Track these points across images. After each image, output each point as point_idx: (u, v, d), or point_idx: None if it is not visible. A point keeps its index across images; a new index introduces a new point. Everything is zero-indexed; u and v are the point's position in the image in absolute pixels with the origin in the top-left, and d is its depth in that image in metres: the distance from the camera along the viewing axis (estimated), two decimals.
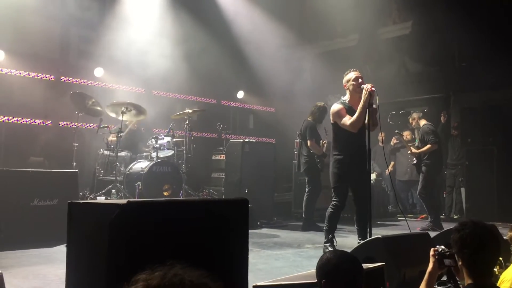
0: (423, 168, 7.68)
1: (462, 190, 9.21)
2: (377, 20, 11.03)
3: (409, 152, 7.97)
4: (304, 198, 7.59)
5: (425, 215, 8.38)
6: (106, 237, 2.02)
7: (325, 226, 5.41)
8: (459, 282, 2.56)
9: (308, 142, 7.48)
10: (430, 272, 2.49)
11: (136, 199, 5.86)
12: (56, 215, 5.19)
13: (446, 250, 2.43)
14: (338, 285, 2.15)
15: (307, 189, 7.59)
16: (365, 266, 3.11)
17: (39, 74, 8.62)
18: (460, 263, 2.27)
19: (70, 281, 2.24)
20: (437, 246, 2.48)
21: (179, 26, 9.56)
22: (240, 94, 11.37)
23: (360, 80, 5.18)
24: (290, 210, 8.83)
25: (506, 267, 3.27)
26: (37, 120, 8.49)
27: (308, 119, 7.68)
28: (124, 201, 2.07)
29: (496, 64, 9.20)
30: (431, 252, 2.49)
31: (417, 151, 7.74)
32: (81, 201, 2.36)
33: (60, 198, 5.49)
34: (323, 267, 2.21)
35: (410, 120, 8.18)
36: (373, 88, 4.93)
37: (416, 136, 8.48)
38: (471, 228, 2.25)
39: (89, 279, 2.16)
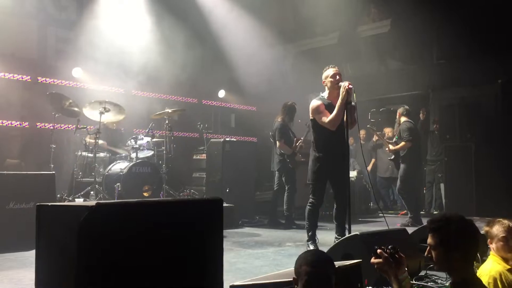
0: (402, 165, 7.76)
1: (442, 185, 9.32)
2: (356, 19, 11.09)
3: (386, 149, 8.05)
4: (285, 196, 7.64)
5: (405, 211, 8.46)
6: (75, 240, 1.98)
7: (305, 224, 5.41)
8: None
9: (277, 143, 7.52)
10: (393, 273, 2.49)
11: (108, 201, 5.77)
12: (32, 218, 5.05)
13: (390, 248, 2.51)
14: (310, 284, 2.17)
15: (286, 188, 7.62)
16: (342, 263, 3.12)
17: (15, 75, 8.47)
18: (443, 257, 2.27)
19: (40, 287, 2.19)
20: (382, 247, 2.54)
21: (159, 25, 9.48)
22: (221, 93, 11.33)
23: (338, 76, 5.18)
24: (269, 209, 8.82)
25: (483, 261, 3.30)
26: (13, 121, 8.33)
27: (278, 119, 7.70)
28: (93, 203, 2.03)
29: (474, 61, 9.33)
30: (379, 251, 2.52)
31: (393, 148, 7.82)
32: (50, 204, 2.30)
33: (37, 201, 5.32)
34: (296, 267, 2.25)
35: (400, 110, 8.19)
36: (350, 86, 4.94)
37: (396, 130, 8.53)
38: (456, 223, 2.26)
39: (59, 284, 2.11)
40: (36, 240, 2.21)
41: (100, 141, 7.30)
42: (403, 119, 7.93)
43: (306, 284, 2.18)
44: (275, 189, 7.88)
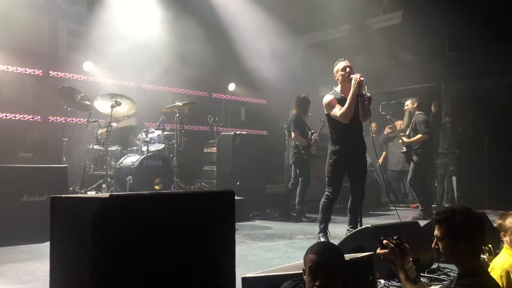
0: (414, 157, 7.71)
1: (454, 178, 9.25)
2: (367, 10, 11.00)
3: (400, 141, 7.98)
4: (298, 190, 7.61)
5: (416, 204, 8.41)
6: (89, 231, 1.99)
7: (319, 217, 5.40)
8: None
9: (292, 134, 7.52)
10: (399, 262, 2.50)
11: (121, 193, 5.81)
12: (45, 211, 5.08)
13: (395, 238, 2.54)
14: (313, 271, 2.20)
15: (299, 181, 7.61)
16: (354, 256, 3.12)
17: (27, 69, 8.53)
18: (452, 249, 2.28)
19: (54, 278, 2.21)
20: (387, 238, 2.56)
21: (169, 18, 9.48)
22: (232, 87, 11.32)
23: (348, 69, 5.16)
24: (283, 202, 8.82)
25: (496, 254, 3.29)
26: (26, 115, 8.41)
27: (293, 112, 7.71)
28: (106, 194, 2.04)
29: (486, 53, 9.21)
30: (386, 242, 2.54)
31: (408, 140, 7.76)
32: (64, 196, 2.32)
33: (49, 194, 5.38)
34: (305, 257, 2.28)
35: (408, 103, 8.13)
36: (362, 78, 4.91)
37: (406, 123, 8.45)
38: (462, 214, 2.27)
39: (74, 275, 2.13)
40: (51, 232, 2.23)
41: (113, 125, 7.31)
42: (416, 111, 7.89)
43: (310, 271, 2.21)
44: (292, 181, 7.81)
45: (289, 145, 7.86)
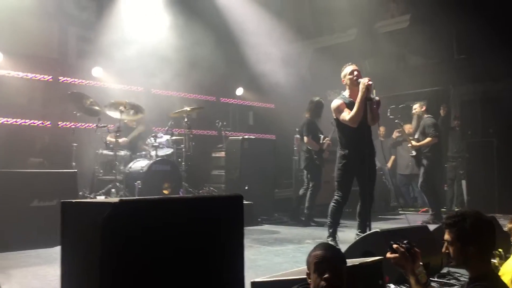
0: (424, 161, 7.67)
1: (463, 182, 9.19)
2: (375, 14, 10.98)
3: (409, 145, 7.95)
4: (308, 194, 7.59)
5: (426, 208, 8.37)
6: (99, 236, 2.01)
7: (328, 221, 5.39)
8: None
9: (305, 138, 7.49)
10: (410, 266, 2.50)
11: (130, 198, 5.84)
12: (55, 215, 5.11)
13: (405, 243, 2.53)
14: (325, 268, 2.23)
15: (310, 185, 7.58)
16: (363, 260, 3.11)
17: (37, 75, 8.61)
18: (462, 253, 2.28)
19: (64, 282, 2.23)
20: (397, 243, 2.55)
21: (177, 24, 9.53)
22: (239, 91, 11.35)
23: (356, 73, 5.16)
24: (291, 206, 8.81)
25: (506, 258, 3.26)
26: (36, 121, 8.49)
27: (306, 115, 7.68)
28: (116, 199, 2.06)
29: (495, 55, 9.15)
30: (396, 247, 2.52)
31: (418, 144, 7.72)
32: (74, 201, 2.34)
33: (60, 199, 5.43)
34: (309, 258, 2.35)
35: (416, 106, 8.10)
36: (370, 82, 4.91)
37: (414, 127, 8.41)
38: (472, 218, 2.27)
39: (84, 279, 2.15)
40: (61, 237, 2.25)
41: (121, 140, 7.39)
42: (425, 115, 7.86)
43: (316, 268, 2.24)
44: (304, 186, 7.74)
45: (301, 149, 7.80)
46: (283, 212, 8.39)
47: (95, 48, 8.95)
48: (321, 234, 5.91)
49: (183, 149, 7.77)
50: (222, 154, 8.87)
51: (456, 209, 8.59)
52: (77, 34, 9.49)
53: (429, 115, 7.89)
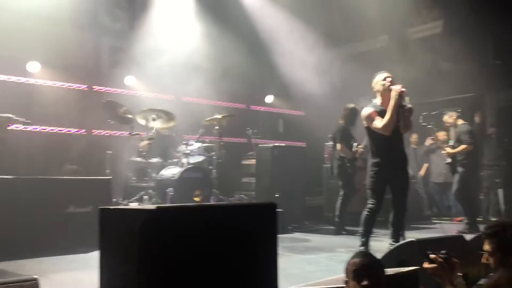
0: (459, 169, 7.50)
1: (500, 191, 8.93)
2: (406, 21, 10.85)
3: (444, 152, 7.78)
4: (338, 202, 7.52)
5: (460, 217, 8.17)
6: (137, 242, 2.04)
7: (360, 230, 5.31)
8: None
9: (338, 145, 7.42)
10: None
11: (167, 205, 5.91)
12: (91, 221, 5.25)
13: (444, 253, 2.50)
14: (365, 275, 2.25)
15: (341, 193, 7.51)
16: (398, 270, 3.06)
17: (72, 84, 8.85)
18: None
19: (103, 287, 2.27)
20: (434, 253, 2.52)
21: (208, 32, 9.65)
22: (269, 99, 11.38)
23: (389, 79, 5.10)
24: (322, 214, 8.75)
25: None
26: (71, 129, 8.71)
27: (340, 122, 7.62)
28: (153, 206, 2.09)
29: None
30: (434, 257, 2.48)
31: (453, 151, 7.56)
32: (111, 207, 2.38)
33: (94, 205, 5.59)
34: (347, 266, 2.37)
35: (446, 118, 7.96)
36: (402, 89, 4.85)
37: (450, 136, 8.26)
38: None
39: (121, 285, 2.18)
40: (100, 242, 2.29)
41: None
42: (460, 121, 7.70)
43: (355, 275, 2.26)
44: (341, 193, 7.61)
45: (334, 157, 7.72)
46: (313, 220, 8.33)
47: (127, 57, 9.14)
48: (353, 243, 5.83)
49: (214, 157, 7.82)
50: (253, 161, 8.89)
51: (493, 219, 8.36)
52: (111, 44, 9.72)
53: (465, 122, 7.73)
